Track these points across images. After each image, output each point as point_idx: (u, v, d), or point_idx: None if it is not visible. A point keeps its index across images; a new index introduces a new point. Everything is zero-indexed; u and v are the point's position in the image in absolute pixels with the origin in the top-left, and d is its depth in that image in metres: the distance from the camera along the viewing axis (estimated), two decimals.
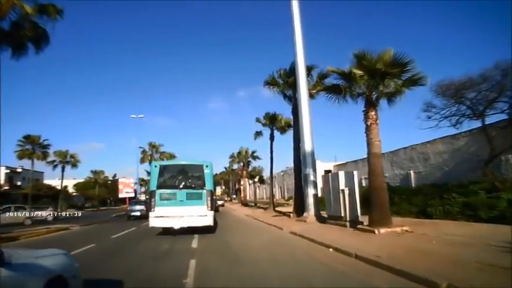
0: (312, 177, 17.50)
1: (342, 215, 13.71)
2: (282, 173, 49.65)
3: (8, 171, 58.47)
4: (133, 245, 12.07)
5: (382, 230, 10.77)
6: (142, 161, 52.99)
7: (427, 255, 7.22)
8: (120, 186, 47.30)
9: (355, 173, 14.02)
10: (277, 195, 55.39)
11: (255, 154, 48.82)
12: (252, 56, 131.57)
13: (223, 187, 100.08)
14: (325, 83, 20.88)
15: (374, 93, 12.31)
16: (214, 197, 17.32)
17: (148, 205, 15.33)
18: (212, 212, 14.34)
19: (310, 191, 17.36)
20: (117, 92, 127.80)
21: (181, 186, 14.49)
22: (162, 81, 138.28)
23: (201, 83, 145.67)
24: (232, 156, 54.73)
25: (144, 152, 54.50)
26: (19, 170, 57.93)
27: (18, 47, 16.40)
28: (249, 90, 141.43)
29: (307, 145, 18.34)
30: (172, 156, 69.22)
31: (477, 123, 16.64)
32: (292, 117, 21.45)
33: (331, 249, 9.19)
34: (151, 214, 14.27)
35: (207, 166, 14.83)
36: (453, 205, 14.23)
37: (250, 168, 54.61)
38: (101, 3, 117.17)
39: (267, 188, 68.94)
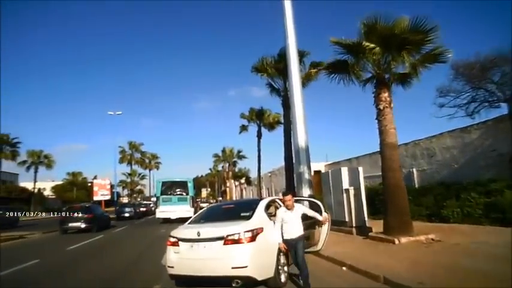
0: (306, 176, 15.14)
1: (346, 219, 11.45)
2: (270, 174, 47.27)
3: None
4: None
5: (403, 240, 8.53)
6: (121, 161, 49.83)
7: (492, 280, 4.99)
8: (95, 188, 43.87)
9: (360, 169, 11.83)
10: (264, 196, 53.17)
11: (241, 153, 46.44)
12: (242, 54, 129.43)
13: (209, 189, 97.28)
14: (319, 72, 19.05)
15: (387, 70, 10.11)
16: (197, 200, 27.27)
17: (155, 205, 27.05)
18: (193, 209, 23.78)
19: (305, 192, 15.01)
20: (99, 92, 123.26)
21: (174, 193, 24.70)
22: (148, 80, 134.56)
23: (189, 82, 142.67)
24: (216, 156, 51.83)
25: (123, 151, 51.42)
26: None
27: None
28: (240, 90, 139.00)
29: (301, 139, 15.94)
30: (154, 157, 66.77)
31: (496, 112, 14.54)
32: (282, 111, 19.16)
33: (344, 268, 6.87)
34: (157, 210, 25.02)
35: (189, 182, 25.83)
36: (473, 207, 12.16)
37: (236, 169, 52.19)
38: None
39: (253, 190, 66.74)
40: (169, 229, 20.84)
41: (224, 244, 5.16)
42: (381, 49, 9.71)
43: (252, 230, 5.24)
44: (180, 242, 5.57)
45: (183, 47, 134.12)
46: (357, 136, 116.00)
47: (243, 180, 53.22)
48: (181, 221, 21.19)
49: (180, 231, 5.82)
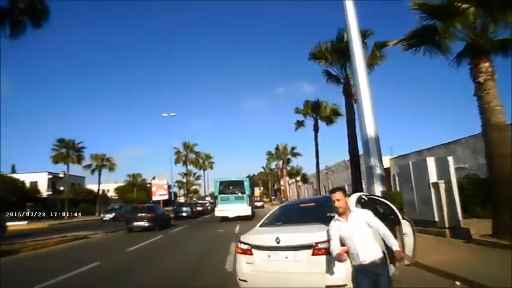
0: (378, 170, 13.39)
1: (436, 219, 9.64)
2: (326, 171, 45.26)
3: (51, 176, 58.87)
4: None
5: None
6: (176, 161, 50.81)
7: None
8: (154, 189, 45.00)
9: (450, 159, 9.94)
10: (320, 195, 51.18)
11: (294, 150, 44.83)
12: (291, 51, 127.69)
13: (261, 188, 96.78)
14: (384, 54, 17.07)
15: (484, 36, 8.22)
16: (252, 199, 28.42)
17: (213, 204, 28.41)
18: (250, 207, 25.17)
19: (377, 188, 13.26)
20: (151, 95, 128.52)
21: (231, 192, 24.96)
22: (197, 83, 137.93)
23: (238, 82, 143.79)
24: (269, 154, 50.65)
25: (178, 152, 52.45)
26: (61, 175, 57.96)
27: (15, 24, 14.10)
28: (289, 87, 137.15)
29: (370, 128, 14.08)
30: (207, 157, 67.66)
31: None
32: (344, 99, 17.40)
33: (457, 283, 5.31)
34: (216, 209, 25.58)
35: (246, 181, 26.24)
36: None
37: (288, 168, 50.69)
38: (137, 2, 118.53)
39: (308, 188, 64.94)
40: (227, 228, 20.67)
41: (313, 254, 3.92)
42: (477, 9, 7.90)
43: None
44: (253, 250, 4.40)
45: (231, 46, 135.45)
46: (422, 127, 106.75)
47: (297, 178, 51.54)
48: (239, 219, 23.35)
49: (253, 236, 4.63)
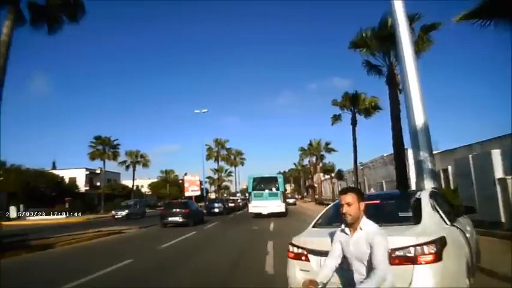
0: (429, 164, 12.20)
1: (502, 220, 8.47)
2: (362, 167, 43.61)
3: (88, 172, 61.10)
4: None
5: None
6: (208, 158, 50.89)
7: None
8: (186, 185, 45.28)
9: None
10: None
11: (329, 146, 43.38)
12: (323, 44, 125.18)
13: (292, 185, 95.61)
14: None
15: None
16: (285, 195, 27.76)
17: (247, 200, 27.43)
18: (284, 204, 24.89)
19: (428, 184, 12.08)
20: (185, 94, 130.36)
21: (265, 189, 24.75)
22: (228, 80, 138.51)
23: (269, 77, 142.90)
24: (302, 149, 49.45)
25: (209, 149, 52.53)
26: (98, 171, 59.87)
27: (52, 21, 14.14)
28: (322, 82, 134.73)
29: (419, 119, 12.84)
30: (238, 153, 67.54)
31: None
32: (387, 89, 16.13)
33: None
34: (249, 205, 25.25)
35: (280, 177, 26.01)
36: None
37: (320, 164, 49.33)
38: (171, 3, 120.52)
39: (342, 185, 63.20)
40: (261, 225, 20.26)
41: (390, 264, 3.12)
42: None
43: (433, 242, 3.09)
44: (310, 256, 3.65)
45: (262, 42, 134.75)
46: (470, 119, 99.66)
47: (332, 175, 50.05)
48: (272, 216, 23.33)
49: (309, 239, 3.83)
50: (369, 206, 4.42)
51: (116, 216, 30.16)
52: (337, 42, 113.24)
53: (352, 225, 2.76)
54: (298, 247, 3.78)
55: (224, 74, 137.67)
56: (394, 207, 4.28)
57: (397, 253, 3.10)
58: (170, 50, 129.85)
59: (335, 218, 4.46)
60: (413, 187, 18.87)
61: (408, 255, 3.04)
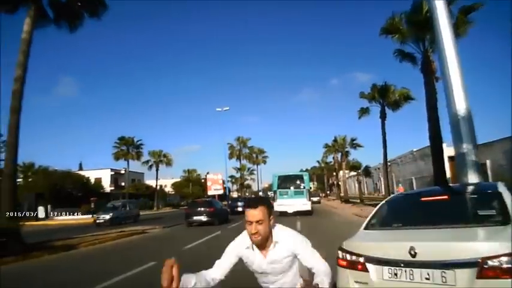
0: (473, 157, 11.07)
1: None
2: (389, 163, 42.15)
3: (113, 173, 62.33)
4: None
5: None
6: (230, 156, 50.58)
7: None
8: (209, 183, 45.19)
9: None
10: (382, 190, 47.86)
11: (354, 142, 42.00)
12: (343, 40, 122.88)
13: (315, 183, 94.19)
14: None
15: None
16: (310, 193, 26.89)
17: (273, 199, 24.90)
18: (310, 202, 24.25)
19: (472, 179, 10.96)
20: (206, 94, 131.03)
21: (291, 187, 24.33)
22: (248, 79, 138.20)
23: (290, 74, 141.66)
24: (326, 146, 48.19)
25: (231, 147, 52.22)
26: (122, 171, 60.97)
27: (73, 17, 14.03)
28: (343, 77, 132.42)
29: (460, 107, 11.72)
30: (261, 151, 66.90)
31: None
32: (423, 78, 15.06)
33: None
34: (275, 203, 23.26)
35: (305, 175, 25.71)
36: None
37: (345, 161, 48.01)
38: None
39: (368, 182, 61.52)
40: (287, 224, 20.02)
41: (479, 277, 2.36)
42: None
43: None
44: (368, 265, 2.91)
45: (282, 41, 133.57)
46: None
47: (359, 171, 48.63)
48: (297, 214, 22.94)
49: (366, 244, 3.06)
50: (435, 204, 3.62)
51: (98, 221, 23.77)
52: (358, 38, 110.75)
53: (262, 244, 2.39)
54: (352, 253, 3.05)
55: (245, 73, 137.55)
56: (467, 203, 3.48)
57: (490, 263, 2.34)
58: (192, 51, 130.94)
59: (393, 218, 3.71)
60: (450, 183, 17.62)
61: (505, 266, 2.28)
